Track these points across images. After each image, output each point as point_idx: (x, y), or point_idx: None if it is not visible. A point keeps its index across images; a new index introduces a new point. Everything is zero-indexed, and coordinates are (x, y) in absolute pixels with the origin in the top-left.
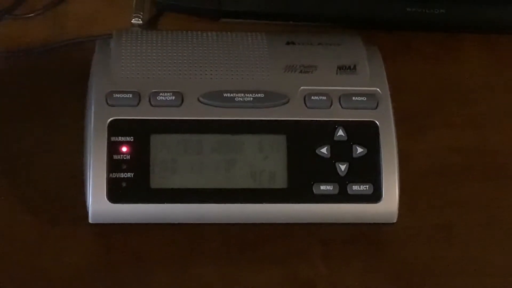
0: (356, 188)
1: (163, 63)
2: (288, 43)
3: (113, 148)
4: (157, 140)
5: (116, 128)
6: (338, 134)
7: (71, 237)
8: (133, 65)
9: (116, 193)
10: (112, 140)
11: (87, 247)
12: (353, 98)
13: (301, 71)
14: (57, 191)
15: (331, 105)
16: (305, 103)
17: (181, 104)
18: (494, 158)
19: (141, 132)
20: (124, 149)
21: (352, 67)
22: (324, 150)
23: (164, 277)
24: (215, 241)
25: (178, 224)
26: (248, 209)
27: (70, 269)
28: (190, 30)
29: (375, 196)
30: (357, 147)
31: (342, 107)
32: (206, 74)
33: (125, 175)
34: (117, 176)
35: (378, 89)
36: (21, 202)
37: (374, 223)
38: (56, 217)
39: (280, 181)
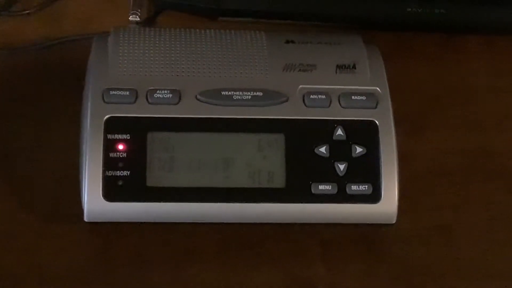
0: (355, 188)
1: (160, 61)
2: (287, 42)
3: (109, 146)
4: (154, 138)
5: (113, 126)
6: (337, 133)
7: (67, 235)
8: (131, 62)
9: (112, 191)
10: (108, 137)
11: (82, 246)
12: (353, 97)
13: (300, 70)
14: (53, 189)
15: (330, 104)
16: (304, 102)
17: (178, 102)
18: (495, 159)
19: (138, 130)
20: (120, 147)
21: (351, 66)
22: (323, 149)
23: (161, 276)
24: (212, 241)
25: (175, 223)
26: (246, 208)
27: (66, 267)
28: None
29: (374, 196)
30: (356, 147)
31: (341, 106)
32: (204, 72)
33: (122, 173)
34: (113, 174)
35: (378, 89)
36: (17, 200)
37: (373, 224)
38: (51, 215)
39: (278, 181)
